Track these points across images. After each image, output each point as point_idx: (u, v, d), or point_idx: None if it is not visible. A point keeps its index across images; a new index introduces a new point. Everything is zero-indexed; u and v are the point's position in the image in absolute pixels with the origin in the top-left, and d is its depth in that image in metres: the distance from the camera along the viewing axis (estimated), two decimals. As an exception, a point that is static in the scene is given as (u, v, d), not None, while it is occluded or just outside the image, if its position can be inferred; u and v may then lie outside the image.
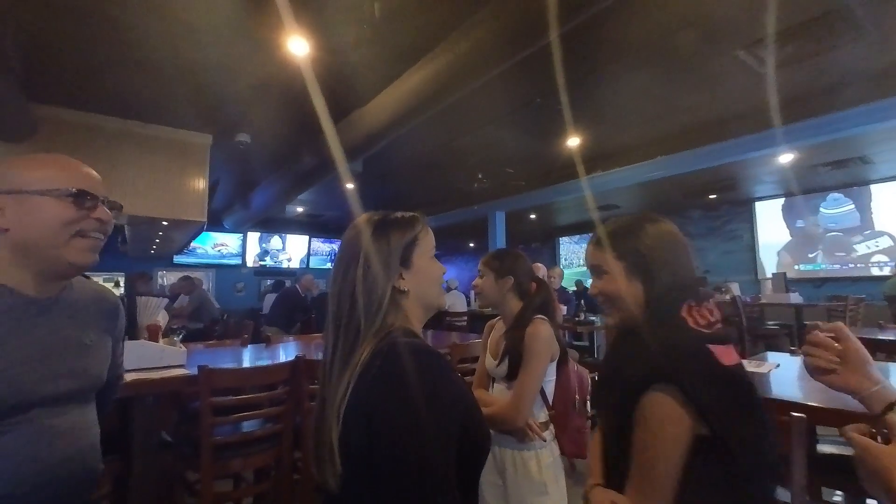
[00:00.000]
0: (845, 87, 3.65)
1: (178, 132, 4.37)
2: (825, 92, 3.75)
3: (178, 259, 9.04)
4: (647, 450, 0.76)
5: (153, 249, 7.46)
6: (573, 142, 4.85)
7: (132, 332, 2.02)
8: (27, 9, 2.56)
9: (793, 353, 2.15)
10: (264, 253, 10.04)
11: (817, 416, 1.28)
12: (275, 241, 10.15)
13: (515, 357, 1.43)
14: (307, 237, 10.43)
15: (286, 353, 2.56)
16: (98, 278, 7.59)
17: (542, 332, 1.41)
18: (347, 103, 3.73)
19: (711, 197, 7.90)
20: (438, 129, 4.57)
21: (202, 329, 5.03)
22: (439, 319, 7.09)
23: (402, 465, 0.62)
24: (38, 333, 0.80)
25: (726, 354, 0.77)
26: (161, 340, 2.13)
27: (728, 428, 0.75)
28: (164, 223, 4.82)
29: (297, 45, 2.87)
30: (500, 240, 7.56)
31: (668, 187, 6.97)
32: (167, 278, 8.93)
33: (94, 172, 0.87)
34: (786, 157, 5.39)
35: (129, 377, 1.79)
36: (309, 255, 10.51)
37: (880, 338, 2.56)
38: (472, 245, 12.49)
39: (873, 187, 6.83)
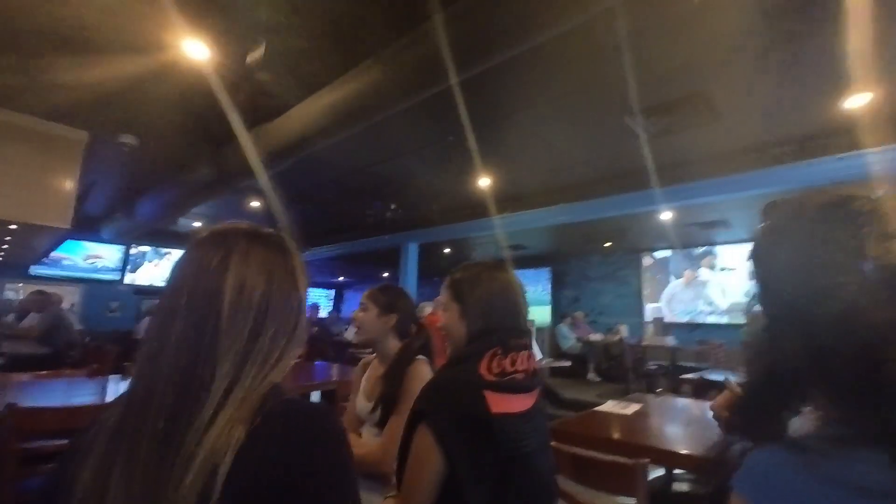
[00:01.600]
0: (704, 159, 4.27)
1: (45, 123, 3.78)
2: (690, 161, 4.34)
3: (35, 270, 7.71)
4: (411, 475, 0.91)
5: (0, 256, 6.28)
6: (484, 182, 5.05)
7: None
8: None
9: (659, 395, 2.32)
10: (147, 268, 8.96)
11: (666, 458, 1.36)
12: (161, 259, 9.13)
13: (391, 404, 1.35)
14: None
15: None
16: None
17: (422, 373, 1.37)
18: (254, 115, 3.52)
19: (606, 245, 8.67)
20: (354, 153, 4.50)
21: (50, 355, 4.25)
22: (341, 351, 6.77)
23: None
24: None
25: (501, 402, 0.92)
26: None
27: (465, 471, 0.87)
28: (13, 227, 4.08)
29: (195, 49, 2.66)
30: (411, 271, 7.53)
31: (571, 232, 7.52)
32: (20, 292, 7.56)
33: None
34: (665, 215, 6.11)
35: None
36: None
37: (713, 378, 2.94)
38: (385, 274, 12.34)
39: (727, 248, 7.98)
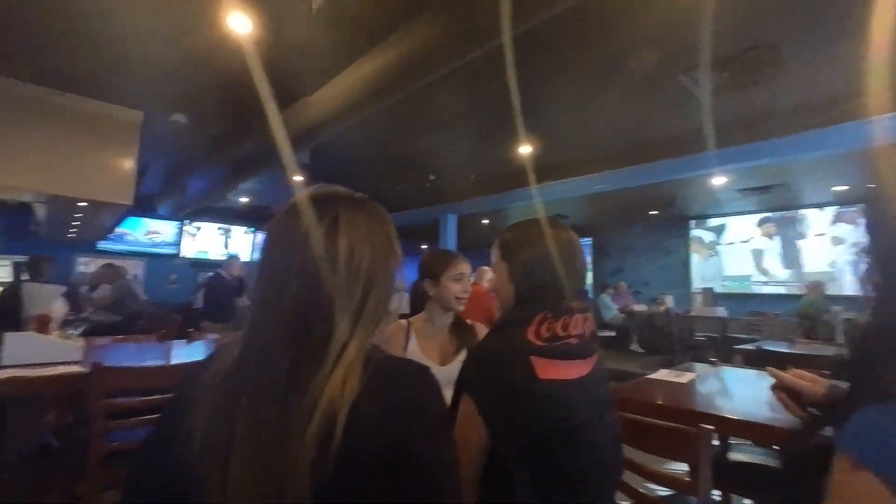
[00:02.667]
0: (767, 118, 3.94)
1: (104, 105, 3.98)
2: (751, 120, 4.03)
3: (103, 245, 8.30)
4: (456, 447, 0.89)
5: (72, 233, 6.79)
6: (525, 150, 4.91)
7: (16, 323, 1.77)
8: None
9: (713, 364, 2.24)
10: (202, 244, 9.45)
11: (726, 426, 1.32)
12: (213, 232, 9.58)
13: None
14: (252, 229, 9.94)
15: (203, 350, 2.37)
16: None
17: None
18: (293, 90, 3.55)
19: (652, 213, 8.32)
20: (391, 126, 4.48)
21: (121, 322, 4.61)
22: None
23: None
24: None
25: (550, 368, 0.87)
26: (54, 333, 1.89)
27: (507, 442, 0.84)
28: (82, 204, 4.38)
29: (239, 22, 2.69)
30: (450, 243, 7.55)
31: (614, 201, 7.26)
32: (90, 266, 8.19)
33: None
34: (718, 180, 5.76)
35: (4, 374, 1.57)
36: (254, 247, 10.00)
37: (783, 350, 2.79)
38: (424, 247, 12.44)
39: (798, 213, 7.45)
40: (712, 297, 7.26)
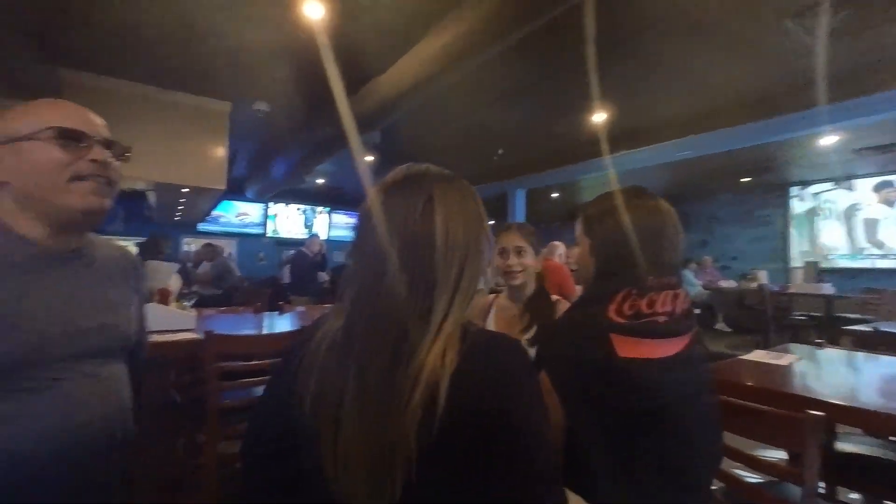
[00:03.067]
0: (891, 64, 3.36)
1: (198, 99, 4.36)
2: (878, 69, 3.45)
3: (202, 226, 9.23)
4: None
5: (177, 216, 7.63)
6: (599, 118, 4.65)
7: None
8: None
9: (819, 346, 2.03)
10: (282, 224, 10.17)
11: (837, 413, 1.20)
12: (293, 213, 10.25)
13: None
14: (328, 209, 10.49)
15: (294, 321, 2.58)
16: (126, 244, 7.84)
17: None
18: (364, 71, 3.63)
19: (744, 180, 7.55)
20: (458, 101, 4.44)
21: (221, 295, 5.14)
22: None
23: (540, 471, 0.55)
24: (62, 287, 0.77)
25: (631, 347, 0.82)
26: (172, 305, 2.16)
27: (585, 423, 0.81)
28: (185, 190, 4.88)
29: (312, 9, 2.78)
30: (519, 218, 7.43)
31: (698, 169, 6.68)
32: (192, 245, 9.17)
33: (89, 113, 0.81)
34: (828, 139, 5.06)
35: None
36: (330, 226, 10.58)
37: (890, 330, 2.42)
38: (491, 222, 12.37)
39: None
40: (815, 271, 6.50)
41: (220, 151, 4.61)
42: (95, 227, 0.85)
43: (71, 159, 0.76)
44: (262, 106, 4.50)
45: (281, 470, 0.63)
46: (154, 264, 2.07)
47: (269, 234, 10.02)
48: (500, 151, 6.18)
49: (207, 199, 5.94)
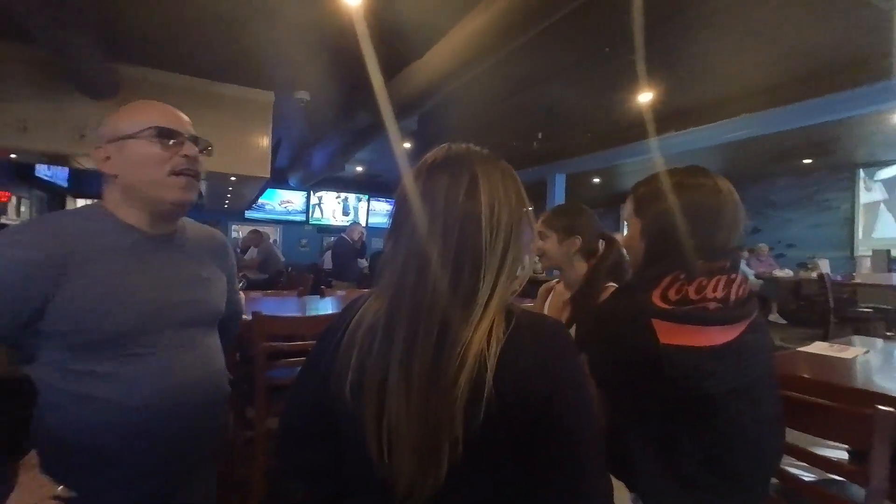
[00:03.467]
0: None
1: (243, 90, 4.52)
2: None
3: (248, 214, 9.63)
4: None
5: (226, 204, 7.99)
6: (645, 97, 4.43)
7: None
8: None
9: (887, 339, 1.87)
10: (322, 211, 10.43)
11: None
12: (333, 201, 10.48)
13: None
14: (366, 197, 10.66)
15: (335, 304, 2.66)
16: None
17: None
18: (402, 56, 3.62)
19: (805, 162, 7.01)
20: (496, 86, 4.35)
21: (267, 279, 5.37)
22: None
23: (584, 451, 0.56)
24: (161, 267, 0.88)
25: (675, 333, 0.79)
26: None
27: (625, 413, 0.80)
28: (233, 178, 5.09)
29: (350, -4, 2.79)
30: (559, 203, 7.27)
31: (753, 150, 6.26)
32: (240, 231, 9.59)
33: (178, 112, 0.91)
34: (905, 115, 4.60)
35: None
36: (368, 213, 10.76)
37: None
38: (530, 208, 12.18)
39: None
40: (886, 261, 5.99)
41: (265, 141, 4.76)
42: (183, 214, 0.96)
43: (168, 155, 0.85)
44: (303, 95, 4.60)
45: (318, 448, 0.65)
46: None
47: (311, 221, 10.32)
48: (539, 136, 6.03)
49: (253, 187, 6.17)
